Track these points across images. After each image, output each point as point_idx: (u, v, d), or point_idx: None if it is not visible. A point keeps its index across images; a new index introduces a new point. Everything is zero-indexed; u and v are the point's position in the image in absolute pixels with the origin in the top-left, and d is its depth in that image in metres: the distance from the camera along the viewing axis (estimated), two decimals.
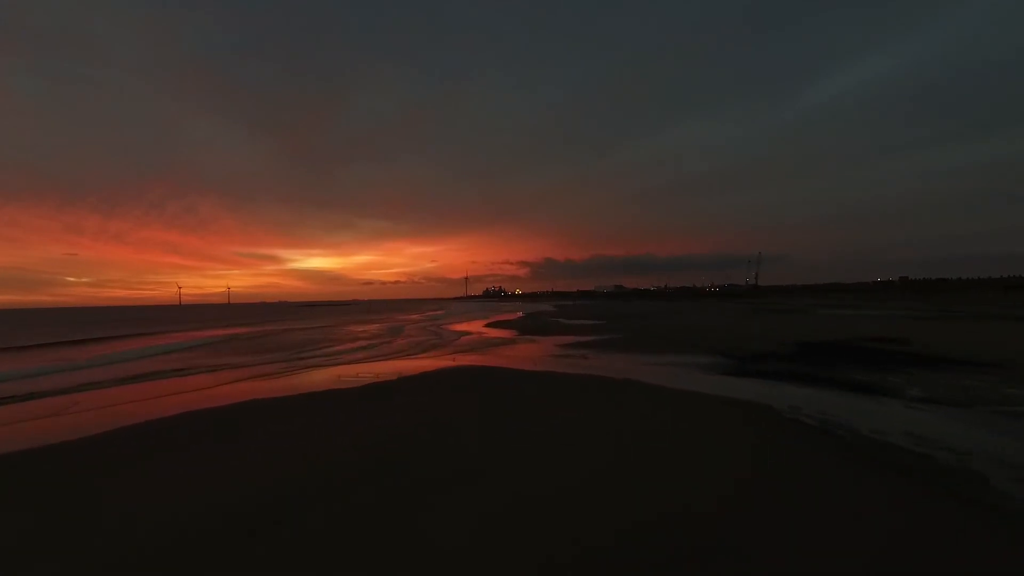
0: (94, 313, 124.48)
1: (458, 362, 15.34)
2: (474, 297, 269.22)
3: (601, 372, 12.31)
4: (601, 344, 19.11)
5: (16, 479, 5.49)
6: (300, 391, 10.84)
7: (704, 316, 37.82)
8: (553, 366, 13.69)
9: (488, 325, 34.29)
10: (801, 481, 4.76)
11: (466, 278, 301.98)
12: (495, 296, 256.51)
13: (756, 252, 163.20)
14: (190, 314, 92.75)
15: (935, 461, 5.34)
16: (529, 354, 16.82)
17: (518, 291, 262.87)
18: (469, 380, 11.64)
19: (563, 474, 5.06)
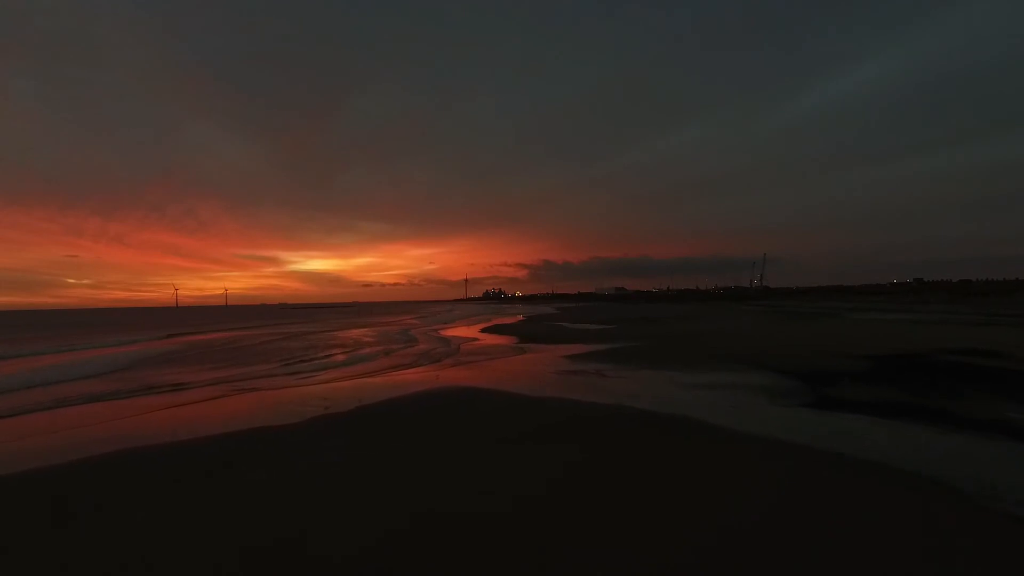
0: (89, 315, 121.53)
1: (442, 380, 12.15)
2: (474, 299, 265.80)
3: (631, 400, 9.09)
4: (618, 355, 15.88)
5: None
6: (222, 431, 7.64)
7: (725, 320, 34.55)
8: (563, 388, 10.47)
9: (485, 330, 31.06)
10: None
11: (465, 280, 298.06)
12: (495, 298, 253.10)
13: (762, 254, 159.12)
14: (180, 317, 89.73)
15: None
16: (532, 369, 13.60)
17: (518, 293, 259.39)
18: (446, 419, 8.44)
19: None
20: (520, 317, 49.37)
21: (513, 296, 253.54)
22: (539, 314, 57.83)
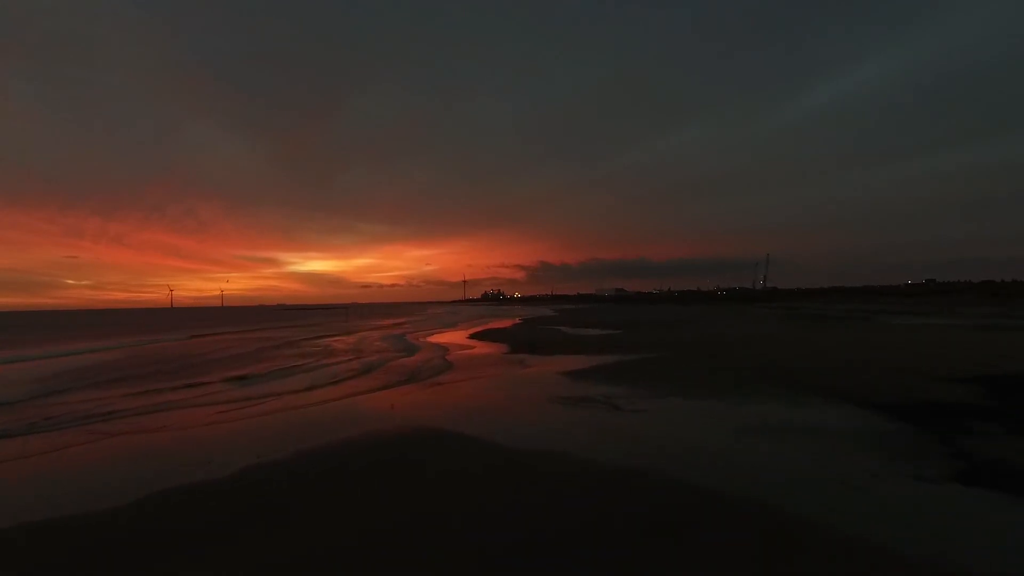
0: (81, 316, 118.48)
1: (399, 412, 8.96)
2: (472, 300, 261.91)
3: (662, 457, 5.85)
4: (631, 373, 12.63)
5: None
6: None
7: (743, 324, 31.23)
8: (559, 430, 7.25)
9: (476, 336, 27.79)
10: None
11: (464, 281, 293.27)
12: (494, 299, 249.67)
13: (763, 254, 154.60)
14: (169, 318, 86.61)
15: None
16: (520, 394, 10.37)
17: (517, 294, 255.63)
18: (349, 510, 5.19)
19: None
20: (517, 320, 46.15)
21: (512, 297, 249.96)
22: (537, 316, 54.56)
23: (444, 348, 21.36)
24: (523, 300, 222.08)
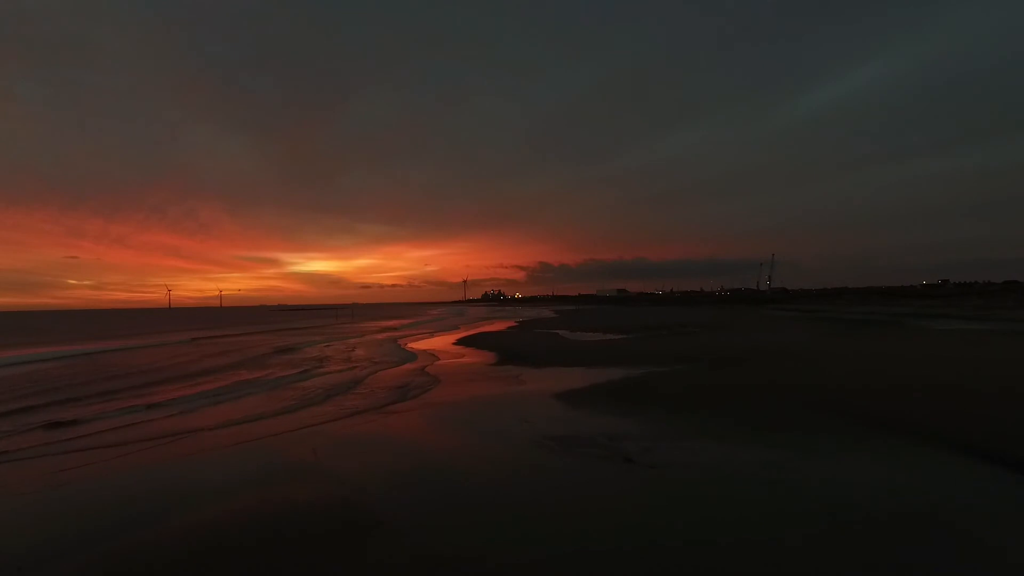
0: (79, 316, 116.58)
1: (320, 460, 6.38)
2: (472, 300, 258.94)
3: None
4: (642, 395, 9.98)
5: None
6: None
7: (765, 330, 28.35)
8: (546, 518, 4.64)
9: (462, 341, 25.17)
10: None
11: (464, 282, 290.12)
12: (494, 300, 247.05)
13: (766, 255, 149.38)
14: (161, 319, 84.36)
15: None
16: (497, 430, 7.75)
17: (518, 295, 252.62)
18: None
19: None
20: (513, 323, 43.43)
21: (513, 298, 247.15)
22: (535, 318, 51.91)
23: (427, 355, 18.84)
24: (523, 301, 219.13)
